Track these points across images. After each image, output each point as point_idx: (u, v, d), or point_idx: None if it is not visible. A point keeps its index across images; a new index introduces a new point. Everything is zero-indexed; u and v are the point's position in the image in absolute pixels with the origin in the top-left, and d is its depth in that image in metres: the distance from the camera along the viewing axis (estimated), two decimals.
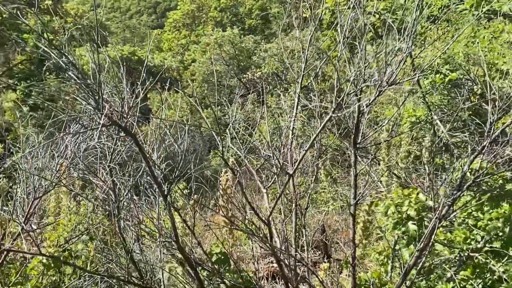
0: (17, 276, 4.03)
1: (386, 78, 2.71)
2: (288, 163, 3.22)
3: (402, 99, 6.74)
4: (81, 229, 4.89)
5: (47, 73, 15.42)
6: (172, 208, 2.65)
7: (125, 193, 2.69)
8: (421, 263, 3.19)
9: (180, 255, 3.17)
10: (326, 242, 6.40)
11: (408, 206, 3.42)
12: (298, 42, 4.13)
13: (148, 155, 2.50)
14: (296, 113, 3.36)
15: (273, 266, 6.37)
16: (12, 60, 18.12)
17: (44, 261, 3.81)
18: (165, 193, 2.57)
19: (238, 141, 3.63)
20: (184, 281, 3.01)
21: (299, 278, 2.91)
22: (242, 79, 19.92)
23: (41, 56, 15.07)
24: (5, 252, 4.05)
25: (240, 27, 26.64)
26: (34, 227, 4.52)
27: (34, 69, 14.58)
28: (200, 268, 2.90)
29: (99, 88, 2.19)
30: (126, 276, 2.61)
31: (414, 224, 3.45)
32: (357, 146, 3.01)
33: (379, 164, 6.10)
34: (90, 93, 2.23)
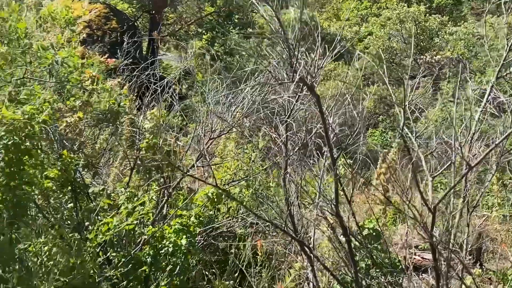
0: (184, 202, 4.54)
1: None
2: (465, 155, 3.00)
3: None
4: (241, 175, 5.27)
5: (231, 27, 16.42)
6: (336, 175, 2.69)
7: (295, 150, 2.81)
8: None
9: (331, 220, 3.23)
10: (481, 248, 5.91)
11: None
12: (503, 27, 3.73)
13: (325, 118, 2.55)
14: (485, 103, 3.09)
15: (415, 258, 6.14)
16: (203, 11, 19.73)
17: (209, 194, 4.21)
18: (335, 157, 2.62)
19: (411, 123, 3.49)
20: (333, 246, 3.07)
21: (452, 275, 2.76)
22: (418, 60, 18.82)
23: (229, 11, 15.91)
24: (179, 178, 4.58)
25: (427, 5, 24.90)
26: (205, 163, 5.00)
27: (221, 21, 15.68)
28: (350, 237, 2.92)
29: (297, 44, 2.28)
30: (284, 225, 2.76)
31: None
32: None
33: None
34: (287, 49, 2.33)
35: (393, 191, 4.32)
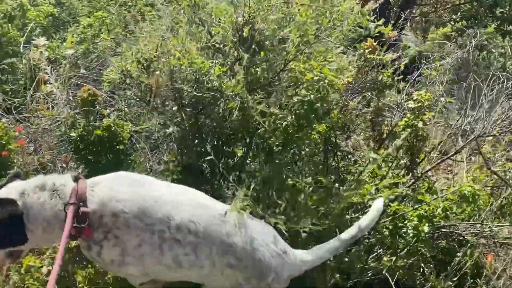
0: (428, 190, 4.47)
1: None
2: None
3: None
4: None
5: (489, 20, 14.84)
6: None
7: None
8: None
9: None
10: None
11: None
12: None
13: None
14: None
15: None
16: None
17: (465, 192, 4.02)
18: None
19: None
20: None
21: None
22: None
23: (494, 1, 14.38)
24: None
25: None
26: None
27: (482, 11, 14.32)
28: None
29: None
30: None
31: None
32: None
33: None
34: None
35: None
